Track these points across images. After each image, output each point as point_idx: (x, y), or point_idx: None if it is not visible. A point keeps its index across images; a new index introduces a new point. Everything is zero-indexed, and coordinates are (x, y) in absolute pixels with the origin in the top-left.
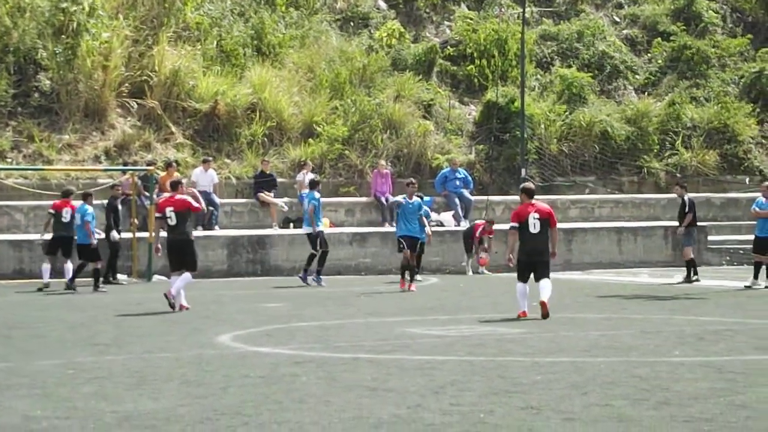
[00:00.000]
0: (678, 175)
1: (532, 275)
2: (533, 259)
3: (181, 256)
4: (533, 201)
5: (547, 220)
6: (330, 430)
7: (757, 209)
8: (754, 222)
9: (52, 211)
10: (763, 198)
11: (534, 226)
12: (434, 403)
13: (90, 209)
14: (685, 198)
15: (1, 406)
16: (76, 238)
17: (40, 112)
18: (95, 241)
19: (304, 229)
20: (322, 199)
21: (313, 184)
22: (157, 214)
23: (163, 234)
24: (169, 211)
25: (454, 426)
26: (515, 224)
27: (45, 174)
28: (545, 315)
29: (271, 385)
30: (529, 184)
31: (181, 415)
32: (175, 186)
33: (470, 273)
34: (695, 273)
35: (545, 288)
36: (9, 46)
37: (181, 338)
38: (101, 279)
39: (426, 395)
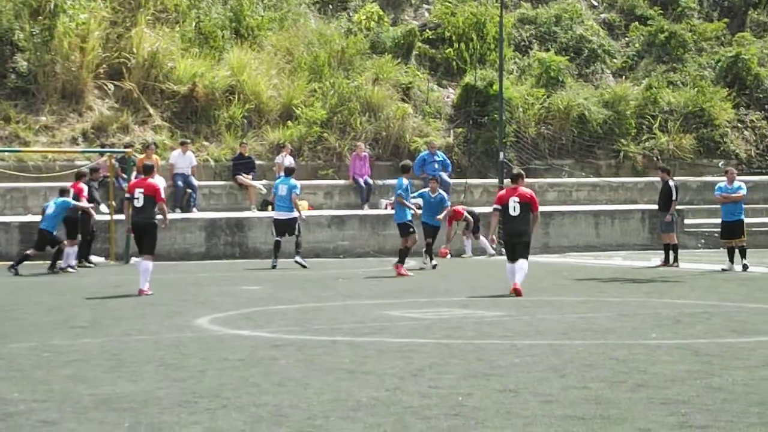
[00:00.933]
0: (656, 159)
1: None
2: (514, 240)
3: (142, 238)
4: (517, 186)
5: (527, 204)
6: (309, 412)
7: (723, 194)
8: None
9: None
10: (725, 182)
11: (514, 209)
12: (413, 386)
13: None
14: (670, 183)
15: None
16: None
17: (16, 93)
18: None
19: (282, 214)
20: (302, 182)
21: (290, 171)
22: (127, 195)
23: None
24: (138, 192)
25: (432, 408)
26: (497, 206)
27: (22, 156)
28: (518, 295)
29: (250, 368)
30: (516, 170)
31: (159, 397)
32: (149, 170)
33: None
34: (675, 259)
35: (520, 271)
36: None
37: (159, 321)
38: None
39: (405, 378)
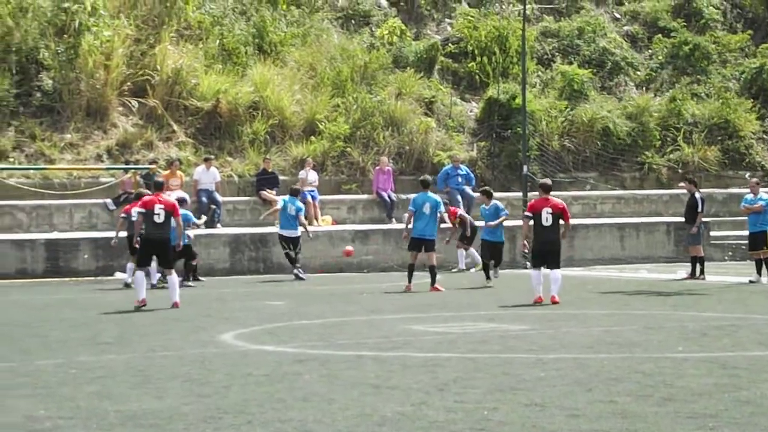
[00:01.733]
0: (680, 171)
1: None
2: (546, 248)
3: (159, 254)
4: (549, 196)
5: (559, 215)
6: (334, 428)
7: (746, 206)
8: None
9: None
10: (751, 194)
11: (546, 219)
12: (438, 401)
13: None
14: (697, 196)
15: (3, 405)
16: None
17: (42, 111)
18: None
19: (289, 232)
20: (325, 197)
21: (295, 192)
22: (141, 210)
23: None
24: (159, 209)
25: (458, 423)
26: (528, 214)
27: (47, 173)
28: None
29: (275, 384)
30: (546, 181)
31: (184, 413)
32: (160, 186)
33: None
34: (702, 271)
35: (555, 282)
36: (11, 46)
37: (183, 337)
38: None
39: (430, 392)
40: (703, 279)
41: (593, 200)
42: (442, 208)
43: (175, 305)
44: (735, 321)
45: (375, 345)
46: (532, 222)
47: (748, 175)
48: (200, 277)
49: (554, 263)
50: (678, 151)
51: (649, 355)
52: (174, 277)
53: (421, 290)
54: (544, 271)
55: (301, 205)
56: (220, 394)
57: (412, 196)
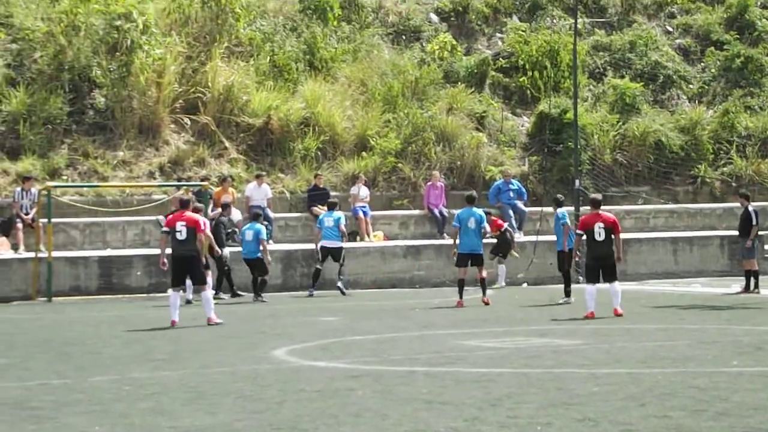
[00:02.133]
0: (734, 184)
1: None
2: (600, 263)
3: (189, 270)
4: (599, 211)
5: (611, 229)
6: None
7: None
8: None
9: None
10: None
11: (599, 234)
12: (491, 416)
13: (260, 226)
14: (750, 209)
15: (59, 422)
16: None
17: (94, 129)
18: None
19: (330, 243)
20: (377, 213)
21: (332, 205)
22: (165, 229)
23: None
24: (180, 226)
25: None
26: (580, 231)
27: (100, 191)
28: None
29: (327, 399)
30: (597, 196)
31: (237, 429)
32: (186, 204)
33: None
34: (756, 285)
35: (616, 295)
36: (64, 64)
37: (236, 353)
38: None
39: (483, 408)
40: (758, 293)
41: (646, 214)
42: (485, 222)
43: (209, 321)
44: None
45: (427, 360)
46: (584, 237)
47: None
48: (263, 296)
49: (612, 276)
50: (731, 164)
51: (703, 370)
52: (207, 293)
53: (473, 305)
54: (599, 286)
55: (340, 214)
56: (273, 410)
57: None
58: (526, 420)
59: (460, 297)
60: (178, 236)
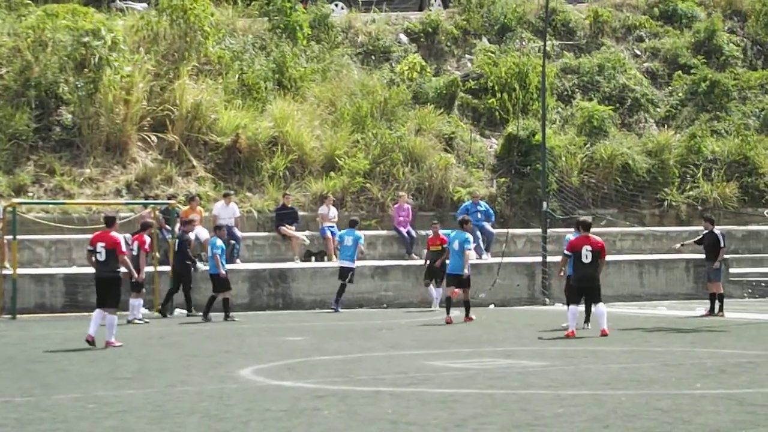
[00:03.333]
0: (699, 207)
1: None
2: (584, 285)
3: (106, 291)
4: (588, 234)
5: (598, 252)
6: None
7: None
8: None
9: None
10: None
11: (586, 257)
12: None
13: (219, 242)
14: (716, 232)
15: None
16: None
17: (61, 146)
18: (224, 272)
19: (345, 263)
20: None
21: (353, 223)
22: (89, 248)
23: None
24: (100, 246)
25: None
26: (568, 253)
27: (66, 208)
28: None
29: (293, 419)
30: (587, 218)
31: None
32: (111, 222)
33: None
34: (721, 308)
35: (602, 315)
36: (30, 81)
37: (202, 372)
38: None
39: (448, 428)
40: (722, 316)
41: (613, 236)
42: (469, 245)
43: (107, 344)
44: (753, 358)
45: (393, 381)
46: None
47: (766, 212)
48: (232, 315)
49: (596, 298)
50: (697, 188)
51: (667, 392)
52: (113, 319)
53: (443, 325)
54: (580, 308)
55: (360, 234)
56: (238, 429)
57: (431, 232)
58: None
59: (447, 313)
60: (98, 257)
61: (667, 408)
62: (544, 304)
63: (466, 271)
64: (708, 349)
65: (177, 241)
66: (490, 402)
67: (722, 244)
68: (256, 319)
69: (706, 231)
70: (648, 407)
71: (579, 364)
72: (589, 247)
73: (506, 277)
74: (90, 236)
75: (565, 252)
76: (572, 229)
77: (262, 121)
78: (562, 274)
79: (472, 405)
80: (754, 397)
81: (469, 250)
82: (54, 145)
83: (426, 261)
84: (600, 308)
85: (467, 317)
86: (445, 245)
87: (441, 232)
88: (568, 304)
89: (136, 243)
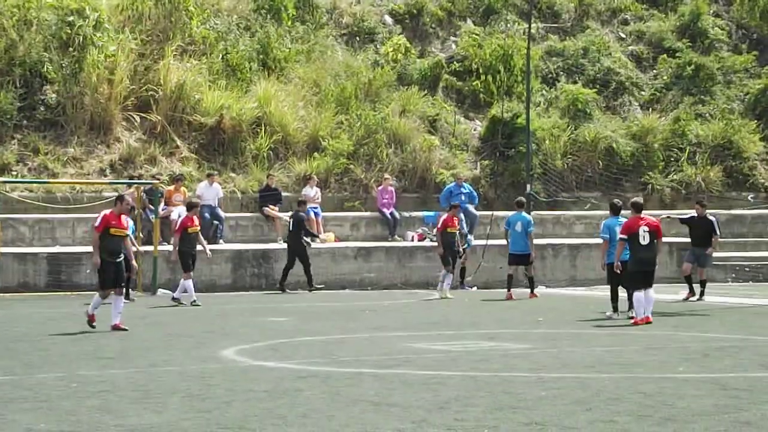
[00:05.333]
0: (683, 192)
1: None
2: (645, 268)
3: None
4: (642, 215)
5: (655, 233)
6: None
7: None
8: (761, 239)
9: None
10: None
11: (644, 238)
12: (438, 419)
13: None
14: (711, 218)
15: (4, 419)
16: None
17: (45, 125)
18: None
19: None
20: (328, 214)
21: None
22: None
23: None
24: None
25: None
26: (624, 236)
27: (50, 187)
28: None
29: (275, 400)
30: (639, 199)
31: (184, 428)
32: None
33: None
34: (702, 294)
35: (650, 302)
36: (15, 59)
37: (185, 352)
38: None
39: (430, 410)
40: (703, 300)
41: (596, 220)
42: (532, 228)
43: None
44: (737, 342)
45: (376, 362)
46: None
47: (750, 196)
48: (131, 295)
49: (649, 283)
50: (681, 171)
51: (650, 375)
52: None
53: (428, 306)
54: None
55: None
56: (221, 409)
57: (415, 213)
58: (474, 423)
59: (508, 289)
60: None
61: (650, 391)
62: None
63: (533, 253)
64: (691, 333)
65: (292, 220)
66: (473, 384)
67: (717, 232)
68: (239, 299)
69: (697, 215)
70: (631, 390)
71: (562, 347)
72: (646, 228)
73: (490, 260)
74: (73, 216)
75: (621, 236)
76: (607, 213)
77: (246, 102)
78: (618, 264)
79: (454, 387)
80: (737, 381)
81: (532, 231)
82: (38, 124)
83: (440, 244)
84: (650, 294)
85: (532, 294)
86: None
87: (423, 214)
88: (628, 291)
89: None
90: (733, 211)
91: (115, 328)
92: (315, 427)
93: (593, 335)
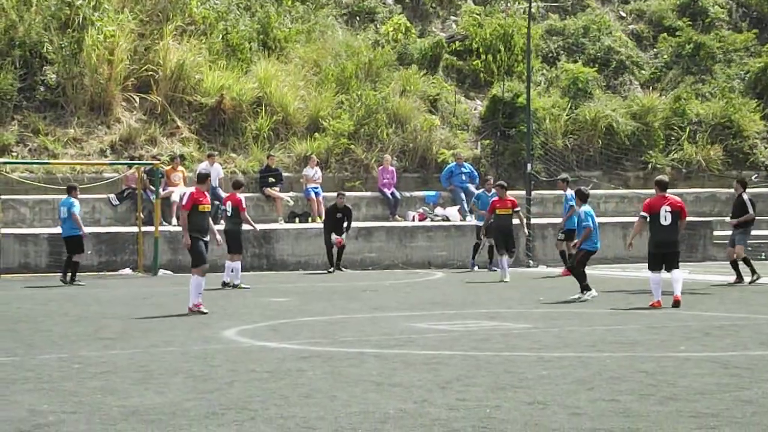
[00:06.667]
0: (684, 170)
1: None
2: (663, 250)
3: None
4: (666, 194)
5: (678, 213)
6: (336, 424)
7: None
8: (762, 217)
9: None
10: None
11: (665, 218)
12: (440, 398)
13: (76, 202)
14: (744, 197)
15: (7, 399)
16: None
17: (45, 106)
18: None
19: None
20: (329, 194)
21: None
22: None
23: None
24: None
25: (460, 421)
26: (645, 214)
27: (50, 168)
28: (677, 305)
29: (278, 380)
30: (663, 177)
31: (187, 409)
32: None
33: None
34: (754, 271)
35: (677, 282)
36: (15, 40)
37: (187, 333)
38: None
39: (432, 390)
40: (758, 278)
41: (597, 199)
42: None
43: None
44: (737, 321)
45: (377, 342)
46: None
47: (754, 176)
48: (77, 279)
49: (675, 264)
50: (681, 150)
51: (651, 354)
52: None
53: (427, 287)
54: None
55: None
56: (223, 390)
57: (416, 193)
58: (475, 402)
59: (565, 264)
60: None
61: (651, 370)
62: (528, 266)
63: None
64: (692, 312)
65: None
66: (474, 364)
67: (749, 210)
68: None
69: (737, 194)
70: (632, 369)
71: (563, 327)
72: (668, 208)
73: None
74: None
75: (642, 213)
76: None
77: (246, 82)
78: (631, 246)
79: (456, 367)
80: (737, 359)
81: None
82: (38, 105)
83: (484, 228)
84: (676, 274)
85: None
86: (516, 208)
87: (424, 194)
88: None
89: (229, 203)
90: (733, 190)
91: (195, 308)
92: (317, 408)
93: (594, 314)
